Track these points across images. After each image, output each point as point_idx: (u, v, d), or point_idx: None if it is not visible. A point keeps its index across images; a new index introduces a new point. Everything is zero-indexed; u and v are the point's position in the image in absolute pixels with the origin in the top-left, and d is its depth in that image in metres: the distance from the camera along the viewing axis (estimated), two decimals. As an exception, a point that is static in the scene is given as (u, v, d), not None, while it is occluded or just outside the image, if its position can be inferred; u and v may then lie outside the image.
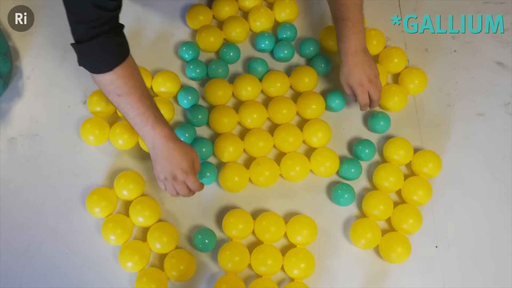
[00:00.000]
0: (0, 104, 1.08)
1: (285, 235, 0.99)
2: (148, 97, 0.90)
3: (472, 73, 1.14)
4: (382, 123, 1.07)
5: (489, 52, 1.16)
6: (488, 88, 1.13)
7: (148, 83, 1.08)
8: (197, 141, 1.04)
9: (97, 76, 0.87)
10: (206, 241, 0.96)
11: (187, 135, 1.04)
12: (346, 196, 1.00)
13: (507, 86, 1.13)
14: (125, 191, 0.99)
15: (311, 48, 1.13)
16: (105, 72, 0.85)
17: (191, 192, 0.92)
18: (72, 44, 0.86)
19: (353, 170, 1.03)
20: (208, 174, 1.01)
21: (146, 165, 1.04)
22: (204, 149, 1.03)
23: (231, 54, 1.12)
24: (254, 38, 1.15)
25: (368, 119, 1.08)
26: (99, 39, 0.83)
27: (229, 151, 1.02)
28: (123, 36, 0.88)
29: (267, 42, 1.13)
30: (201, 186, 0.93)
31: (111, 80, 0.86)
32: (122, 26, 0.87)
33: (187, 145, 0.92)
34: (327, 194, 1.04)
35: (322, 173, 1.03)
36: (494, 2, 1.20)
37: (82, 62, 0.87)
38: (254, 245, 0.98)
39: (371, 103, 1.02)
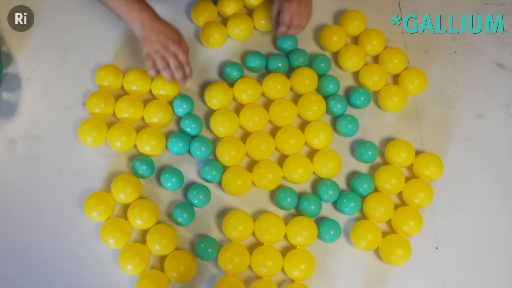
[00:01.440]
0: (0, 105, 1.08)
1: (285, 236, 0.99)
2: None
3: (472, 75, 1.14)
4: (350, 126, 1.06)
5: (489, 53, 1.16)
6: (488, 89, 1.13)
7: (147, 86, 1.08)
8: (199, 140, 1.04)
9: None
10: (209, 250, 0.96)
11: (180, 144, 1.03)
12: (331, 232, 0.98)
13: (507, 87, 1.13)
14: (123, 194, 0.99)
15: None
16: None
17: (180, 66, 0.97)
18: None
19: (370, 153, 1.03)
20: (201, 197, 1.00)
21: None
22: (203, 148, 1.03)
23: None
24: (254, 38, 1.15)
25: (337, 123, 1.08)
26: None
27: (231, 154, 1.02)
28: None
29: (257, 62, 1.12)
30: (188, 63, 0.99)
31: None
32: None
33: (173, 25, 0.98)
34: (327, 196, 1.04)
35: (325, 174, 1.03)
36: (494, 3, 1.20)
37: None
38: (254, 247, 0.98)
39: (289, 28, 1.06)
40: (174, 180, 1.00)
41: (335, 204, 1.02)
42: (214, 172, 1.01)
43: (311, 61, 1.12)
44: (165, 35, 0.96)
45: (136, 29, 0.96)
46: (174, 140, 1.03)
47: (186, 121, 1.05)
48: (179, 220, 0.97)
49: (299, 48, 1.13)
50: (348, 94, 1.11)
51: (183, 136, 1.04)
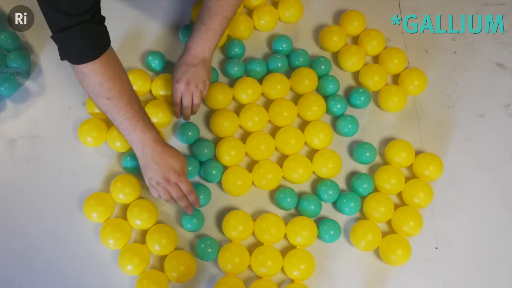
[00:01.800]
0: (0, 105, 1.08)
1: (285, 236, 0.99)
2: (136, 101, 0.90)
3: (472, 74, 1.14)
4: (350, 126, 1.06)
5: (489, 53, 1.16)
6: (488, 89, 1.13)
7: (147, 86, 1.08)
8: (200, 142, 1.05)
9: (83, 73, 0.85)
10: (209, 250, 0.96)
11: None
12: (331, 232, 0.98)
13: (507, 87, 1.13)
14: (122, 194, 0.99)
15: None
16: (90, 61, 0.83)
17: (184, 196, 0.92)
18: (52, 36, 0.83)
19: (368, 154, 1.03)
20: (201, 196, 0.99)
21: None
22: (205, 150, 1.03)
23: (236, 50, 1.12)
24: (254, 38, 1.15)
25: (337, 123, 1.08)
26: (84, 26, 0.81)
27: (231, 155, 1.02)
28: (105, 27, 0.87)
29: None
30: (193, 191, 0.93)
31: (100, 82, 0.85)
32: (103, 17, 0.87)
33: (175, 149, 0.93)
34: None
35: (325, 174, 1.03)
36: (494, 3, 1.20)
37: (65, 52, 0.84)
38: (254, 247, 0.98)
39: (185, 109, 1.01)
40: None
41: (335, 204, 1.02)
42: (214, 172, 1.01)
43: (311, 63, 1.12)
44: (166, 165, 0.90)
45: (136, 150, 0.91)
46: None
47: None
48: (189, 226, 0.98)
49: (299, 48, 1.13)
50: (348, 94, 1.11)
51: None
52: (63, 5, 0.79)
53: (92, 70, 0.85)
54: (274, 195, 1.02)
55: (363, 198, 1.02)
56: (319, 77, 1.11)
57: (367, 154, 1.04)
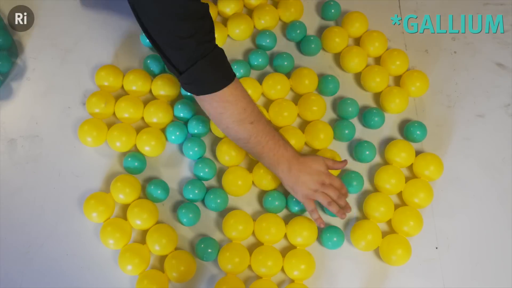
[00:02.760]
0: (0, 105, 1.08)
1: (285, 236, 0.99)
2: (268, 121, 0.91)
3: (472, 74, 1.14)
4: (376, 119, 1.07)
5: (489, 53, 1.16)
6: (488, 89, 1.13)
7: (147, 86, 1.08)
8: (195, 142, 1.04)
9: (227, 102, 0.82)
10: (209, 250, 0.96)
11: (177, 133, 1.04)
12: (335, 239, 0.97)
13: (507, 87, 1.13)
14: (122, 194, 0.98)
15: (312, 45, 1.13)
16: (226, 86, 0.81)
17: (342, 195, 0.93)
18: (184, 73, 0.80)
19: (367, 152, 1.03)
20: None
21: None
22: (206, 169, 1.02)
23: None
24: (254, 37, 1.15)
25: (362, 116, 1.08)
26: (214, 52, 0.80)
27: (231, 155, 1.02)
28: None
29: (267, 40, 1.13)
30: (344, 185, 0.95)
31: (244, 107, 0.84)
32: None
33: (309, 154, 0.95)
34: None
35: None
36: (494, 3, 1.20)
37: (201, 84, 0.81)
38: (254, 246, 0.98)
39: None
40: (159, 192, 1.00)
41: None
42: (206, 170, 1.01)
43: (319, 83, 1.11)
44: (315, 170, 0.91)
45: (281, 168, 0.90)
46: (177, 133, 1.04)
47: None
48: (184, 220, 0.98)
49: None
50: (348, 96, 1.11)
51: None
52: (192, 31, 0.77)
53: (235, 96, 0.84)
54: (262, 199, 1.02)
55: (363, 197, 1.02)
56: (320, 78, 1.11)
57: (367, 152, 1.04)
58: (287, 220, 1.00)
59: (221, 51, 0.83)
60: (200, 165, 1.01)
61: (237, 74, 1.06)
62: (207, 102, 0.85)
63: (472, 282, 0.97)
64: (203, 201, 1.01)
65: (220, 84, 0.82)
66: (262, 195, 1.03)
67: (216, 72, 0.82)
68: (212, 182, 1.04)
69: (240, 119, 0.85)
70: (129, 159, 1.02)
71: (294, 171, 0.91)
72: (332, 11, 1.16)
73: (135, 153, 1.03)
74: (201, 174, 1.01)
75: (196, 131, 1.04)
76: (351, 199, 1.03)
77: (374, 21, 1.17)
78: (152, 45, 0.81)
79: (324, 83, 1.09)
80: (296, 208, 1.00)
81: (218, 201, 0.99)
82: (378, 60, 1.15)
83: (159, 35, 0.79)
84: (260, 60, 1.11)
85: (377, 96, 1.11)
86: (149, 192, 1.00)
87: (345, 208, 0.95)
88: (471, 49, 1.17)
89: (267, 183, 1.01)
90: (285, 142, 0.93)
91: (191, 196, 0.99)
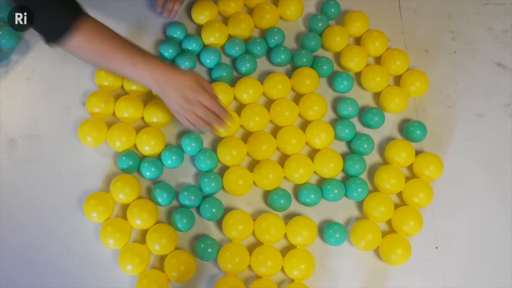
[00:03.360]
0: (0, 105, 1.08)
1: (285, 236, 0.99)
2: (128, 42, 0.88)
3: (472, 74, 1.14)
4: (376, 118, 1.07)
5: (489, 53, 1.16)
6: (488, 89, 1.13)
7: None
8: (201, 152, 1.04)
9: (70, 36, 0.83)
10: (209, 250, 0.96)
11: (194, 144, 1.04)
12: (337, 235, 0.98)
13: (507, 87, 1.13)
14: (122, 194, 0.98)
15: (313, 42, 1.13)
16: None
17: (213, 114, 0.90)
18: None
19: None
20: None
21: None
22: (208, 161, 1.03)
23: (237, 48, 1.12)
24: (255, 36, 1.16)
25: (362, 116, 1.08)
26: None
27: (232, 154, 1.02)
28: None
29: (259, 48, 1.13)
30: (220, 105, 0.91)
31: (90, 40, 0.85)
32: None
33: (187, 69, 0.91)
34: (327, 195, 1.04)
35: (326, 174, 1.02)
36: (494, 3, 1.21)
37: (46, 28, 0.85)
38: (254, 246, 0.98)
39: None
40: (165, 195, 1.00)
41: (335, 204, 1.02)
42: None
43: (313, 63, 1.12)
44: (179, 85, 0.88)
45: (152, 87, 0.88)
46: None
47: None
48: (179, 225, 0.98)
49: (303, 49, 1.13)
50: (348, 95, 1.11)
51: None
52: None
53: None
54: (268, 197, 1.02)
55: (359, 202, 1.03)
56: (314, 60, 1.12)
57: (365, 145, 1.04)
58: (287, 220, 1.00)
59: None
60: (206, 180, 1.01)
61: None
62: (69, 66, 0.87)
63: (472, 282, 0.97)
64: (198, 208, 1.01)
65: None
66: (262, 195, 1.03)
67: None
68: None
69: (86, 53, 0.87)
70: (123, 158, 1.02)
71: (161, 84, 0.88)
72: (332, 10, 1.16)
73: (128, 151, 1.03)
74: (207, 188, 1.01)
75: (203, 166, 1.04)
76: (351, 200, 1.03)
77: (373, 20, 1.17)
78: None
79: (319, 64, 1.11)
80: (308, 200, 1.00)
81: (214, 210, 0.99)
82: (378, 60, 1.15)
83: None
84: (282, 57, 1.11)
85: (377, 96, 1.12)
86: (154, 196, 1.00)
87: (218, 122, 0.92)
88: (471, 49, 1.17)
89: (268, 182, 1.01)
90: (148, 59, 0.87)
91: (187, 202, 0.99)
